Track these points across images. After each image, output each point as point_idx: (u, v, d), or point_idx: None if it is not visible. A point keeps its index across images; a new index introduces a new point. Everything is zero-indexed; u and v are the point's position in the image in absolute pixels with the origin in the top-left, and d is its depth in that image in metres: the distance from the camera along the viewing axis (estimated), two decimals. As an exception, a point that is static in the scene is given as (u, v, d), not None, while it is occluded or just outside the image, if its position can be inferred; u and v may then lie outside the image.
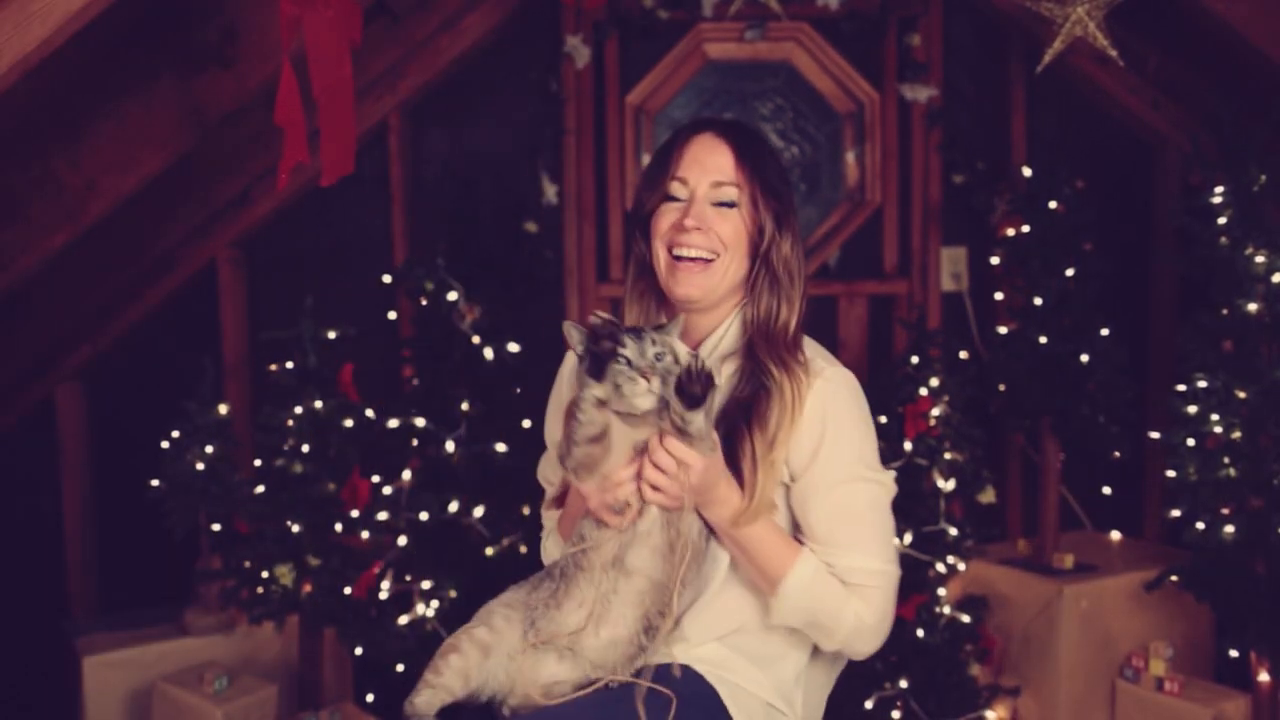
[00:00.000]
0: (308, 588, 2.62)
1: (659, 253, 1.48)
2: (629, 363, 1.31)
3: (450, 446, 3.09)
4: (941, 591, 2.95)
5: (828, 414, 1.44)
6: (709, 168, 1.45)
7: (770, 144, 1.53)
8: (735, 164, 1.44)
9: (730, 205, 1.45)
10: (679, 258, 1.46)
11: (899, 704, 2.91)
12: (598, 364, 1.33)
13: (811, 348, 1.52)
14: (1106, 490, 3.43)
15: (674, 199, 1.47)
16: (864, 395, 1.51)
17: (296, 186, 3.15)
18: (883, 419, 2.99)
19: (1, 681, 3.31)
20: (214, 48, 2.59)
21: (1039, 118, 3.45)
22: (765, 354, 1.45)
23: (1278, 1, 2.76)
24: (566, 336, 1.39)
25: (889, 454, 2.96)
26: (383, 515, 2.78)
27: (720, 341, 1.52)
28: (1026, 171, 3.19)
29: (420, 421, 3.09)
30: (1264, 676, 2.62)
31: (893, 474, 1.50)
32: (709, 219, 1.44)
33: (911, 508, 2.94)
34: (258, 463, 2.67)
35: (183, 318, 3.39)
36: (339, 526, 2.67)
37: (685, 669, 1.44)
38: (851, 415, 1.47)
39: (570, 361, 1.64)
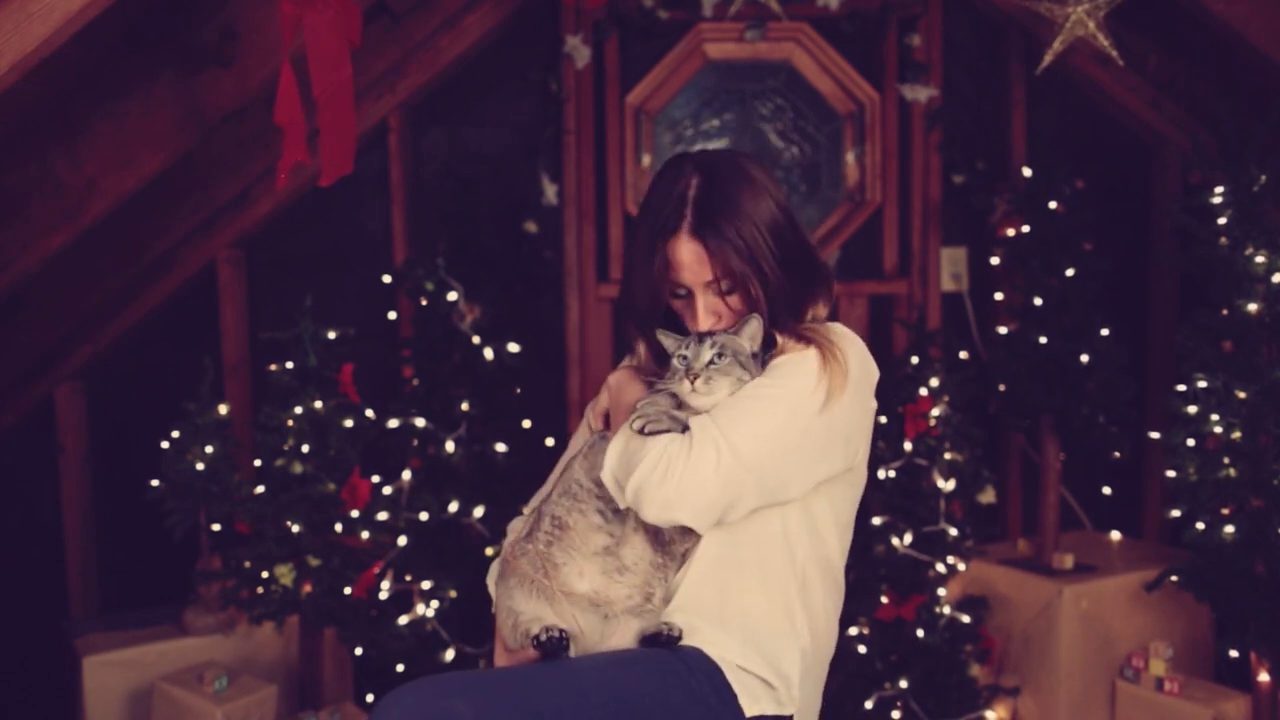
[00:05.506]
0: (308, 588, 2.62)
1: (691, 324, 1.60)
2: (685, 362, 1.47)
3: (450, 446, 3.10)
4: (941, 592, 2.96)
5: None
6: (697, 272, 1.54)
7: (743, 192, 1.54)
8: (709, 261, 1.53)
9: (728, 291, 1.55)
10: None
11: (899, 704, 2.92)
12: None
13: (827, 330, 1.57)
14: (1106, 490, 3.44)
15: (680, 294, 1.58)
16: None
17: (296, 186, 3.16)
18: (883, 419, 3.00)
19: (1, 681, 3.32)
20: (214, 48, 2.59)
21: (1039, 118, 3.45)
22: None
23: (1278, 1, 2.76)
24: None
25: (889, 454, 2.97)
26: (383, 515, 2.78)
27: None
28: (1026, 171, 3.19)
29: (420, 421, 3.10)
30: (1264, 676, 2.61)
31: (852, 454, 1.52)
32: (719, 307, 1.56)
33: (911, 508, 2.95)
34: (258, 463, 2.67)
35: (183, 318, 3.39)
36: (339, 526, 2.67)
37: (692, 649, 1.49)
38: (800, 366, 1.50)
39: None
